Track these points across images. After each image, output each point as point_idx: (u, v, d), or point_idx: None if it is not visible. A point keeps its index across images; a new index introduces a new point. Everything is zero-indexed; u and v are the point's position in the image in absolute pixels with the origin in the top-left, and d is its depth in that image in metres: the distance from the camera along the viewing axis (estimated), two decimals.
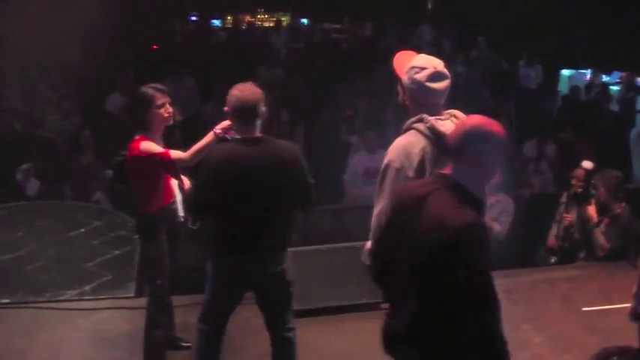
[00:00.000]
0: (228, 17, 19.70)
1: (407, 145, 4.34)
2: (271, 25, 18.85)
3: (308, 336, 6.17)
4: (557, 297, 7.66)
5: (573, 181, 8.59)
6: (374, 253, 4.26)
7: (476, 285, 3.52)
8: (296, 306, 6.91)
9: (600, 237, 8.20)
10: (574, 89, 15.01)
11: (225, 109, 5.20)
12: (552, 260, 8.71)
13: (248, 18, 19.79)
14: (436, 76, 4.39)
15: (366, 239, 4.64)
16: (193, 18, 19.13)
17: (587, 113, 13.54)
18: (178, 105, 5.58)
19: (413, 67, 4.41)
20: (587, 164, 8.49)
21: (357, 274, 7.01)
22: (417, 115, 4.40)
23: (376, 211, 4.41)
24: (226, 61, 14.97)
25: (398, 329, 3.79)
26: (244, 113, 5.10)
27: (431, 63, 4.43)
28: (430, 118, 4.33)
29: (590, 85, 15.27)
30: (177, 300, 6.48)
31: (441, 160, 4.23)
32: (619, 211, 8.26)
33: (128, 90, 12.46)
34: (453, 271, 3.44)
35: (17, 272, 8.01)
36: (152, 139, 5.65)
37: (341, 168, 10.69)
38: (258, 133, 5.10)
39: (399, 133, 4.48)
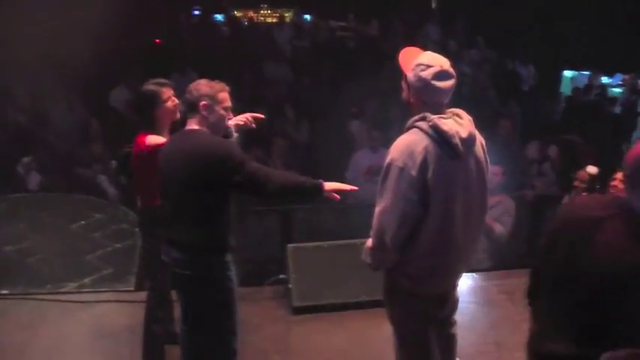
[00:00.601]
0: (233, 12, 19.69)
1: (410, 143, 4.30)
2: (274, 20, 18.84)
3: (309, 332, 6.20)
4: None
5: (576, 183, 8.57)
6: (532, 268, 4.13)
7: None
8: (297, 302, 6.96)
9: None
10: (576, 91, 15.02)
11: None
12: None
13: (251, 13, 19.77)
14: (442, 75, 4.35)
15: (368, 237, 4.62)
16: (197, 12, 19.12)
17: (589, 115, 13.54)
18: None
19: (419, 65, 4.37)
20: (591, 169, 8.47)
21: (358, 272, 7.03)
22: (420, 113, 4.38)
23: (378, 209, 4.37)
24: (231, 57, 14.99)
25: (558, 351, 3.68)
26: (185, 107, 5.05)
27: (437, 61, 4.39)
28: (433, 116, 4.30)
29: (589, 87, 15.25)
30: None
31: (444, 160, 4.26)
32: None
33: (132, 84, 12.50)
34: (619, 307, 3.44)
35: (19, 264, 8.04)
36: (159, 135, 5.64)
37: (344, 166, 10.69)
38: (193, 126, 4.93)
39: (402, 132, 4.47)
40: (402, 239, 4.34)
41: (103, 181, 10.22)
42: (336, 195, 5.02)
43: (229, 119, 5.14)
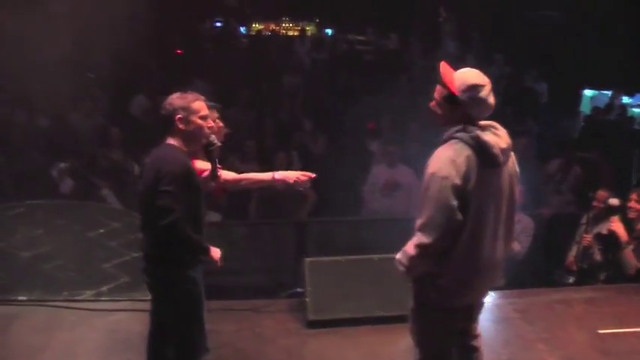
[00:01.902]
0: (254, 24, 19.76)
1: (451, 154, 4.39)
2: (296, 34, 18.89)
3: (323, 346, 6.20)
4: (572, 318, 7.63)
5: (595, 203, 8.57)
6: None
7: None
8: (312, 316, 6.96)
9: (631, 255, 8.14)
10: (596, 110, 14.98)
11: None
12: (570, 280, 8.69)
13: (273, 26, 19.83)
14: (491, 92, 4.52)
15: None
16: (218, 24, 19.20)
17: (608, 134, 13.50)
18: None
19: (475, 86, 4.47)
20: (613, 201, 8.46)
21: (374, 287, 7.06)
22: (455, 125, 4.48)
23: (422, 221, 4.41)
24: (250, 68, 15.04)
25: None
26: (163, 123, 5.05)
27: (484, 79, 4.53)
28: (473, 127, 4.43)
29: (609, 106, 15.22)
30: None
31: (483, 171, 4.37)
32: None
33: (152, 93, 12.59)
34: None
35: (35, 270, 8.06)
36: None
37: (361, 180, 10.70)
38: (169, 140, 4.96)
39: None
40: (442, 249, 4.40)
41: (109, 195, 10.28)
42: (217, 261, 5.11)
43: (209, 127, 5.15)
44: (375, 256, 7.32)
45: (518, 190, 4.76)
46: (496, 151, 4.41)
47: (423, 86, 14.34)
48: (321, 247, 9.21)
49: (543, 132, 13.60)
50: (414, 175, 10.39)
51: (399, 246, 4.59)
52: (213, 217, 9.08)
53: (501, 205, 4.55)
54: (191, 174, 4.89)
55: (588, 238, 8.45)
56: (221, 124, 5.66)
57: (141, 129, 11.70)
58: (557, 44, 16.45)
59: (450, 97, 4.52)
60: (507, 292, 8.24)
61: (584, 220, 8.65)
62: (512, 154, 4.66)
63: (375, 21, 18.73)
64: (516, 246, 8.77)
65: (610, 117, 14.80)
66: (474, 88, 4.47)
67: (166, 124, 4.95)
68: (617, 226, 8.26)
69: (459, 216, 4.33)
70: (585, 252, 8.53)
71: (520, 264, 8.97)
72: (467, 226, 4.39)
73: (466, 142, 4.40)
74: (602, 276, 8.45)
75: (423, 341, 4.81)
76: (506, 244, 4.73)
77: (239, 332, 6.64)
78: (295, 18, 19.91)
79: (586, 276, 8.52)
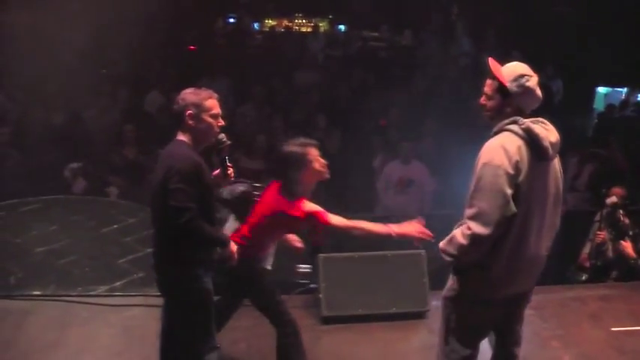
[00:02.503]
0: (267, 20, 19.74)
1: (503, 144, 4.44)
2: (309, 30, 18.86)
3: (337, 343, 6.20)
4: (587, 315, 7.61)
5: (609, 201, 8.53)
6: None
7: None
8: (326, 312, 6.96)
9: None
10: (610, 107, 14.92)
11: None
12: (583, 278, 8.66)
13: (286, 22, 19.81)
14: (538, 84, 4.65)
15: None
16: (231, 20, 19.19)
17: (623, 131, 13.44)
18: None
19: (522, 75, 4.58)
20: (611, 199, 8.44)
21: (388, 283, 7.05)
22: (504, 119, 4.56)
23: (474, 211, 4.41)
24: (264, 64, 15.04)
25: None
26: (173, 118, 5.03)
27: (530, 70, 4.65)
28: (525, 120, 4.50)
29: (624, 103, 15.16)
30: None
31: (534, 162, 4.43)
32: None
33: (166, 89, 12.61)
34: None
35: (50, 265, 8.11)
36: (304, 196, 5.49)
37: (375, 176, 10.71)
38: (179, 136, 4.93)
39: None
40: (494, 240, 4.43)
41: (113, 193, 10.32)
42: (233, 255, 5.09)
43: (219, 125, 5.02)
44: (389, 253, 7.32)
45: (562, 186, 4.80)
46: (546, 143, 4.46)
47: (437, 83, 14.40)
48: (334, 243, 9.19)
49: (558, 129, 13.55)
50: (427, 172, 10.39)
51: (442, 237, 4.61)
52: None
53: (547, 200, 4.59)
54: (201, 171, 4.84)
55: (602, 235, 8.42)
56: (323, 161, 5.53)
57: (155, 125, 11.73)
58: (571, 41, 16.38)
59: (501, 88, 4.59)
60: None
61: (597, 217, 8.62)
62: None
63: (389, 17, 18.70)
64: None
65: (625, 114, 14.74)
66: (522, 77, 4.57)
67: (177, 119, 4.91)
68: (626, 245, 8.23)
69: (513, 206, 4.36)
70: (599, 249, 8.50)
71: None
72: (517, 218, 4.42)
73: (517, 134, 4.46)
74: (614, 273, 8.42)
75: (456, 331, 4.80)
76: (550, 239, 4.77)
77: (253, 328, 6.63)
78: (308, 14, 19.87)
79: (599, 273, 8.50)
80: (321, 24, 19.28)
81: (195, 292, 4.96)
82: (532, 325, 7.32)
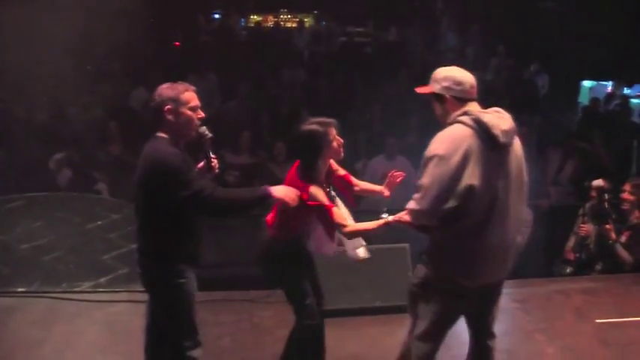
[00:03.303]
0: (252, 16, 19.73)
1: (452, 135, 4.54)
2: (294, 25, 18.85)
3: None
4: (571, 308, 7.64)
5: (592, 193, 8.57)
6: None
7: None
8: None
9: (623, 252, 8.16)
10: (594, 101, 14.96)
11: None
12: (567, 271, 8.70)
13: (271, 18, 19.80)
14: (461, 70, 4.77)
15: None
16: (217, 16, 19.17)
17: (607, 125, 13.49)
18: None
19: (438, 71, 4.78)
20: (597, 182, 8.47)
21: (373, 278, 7.07)
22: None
23: (417, 195, 4.55)
24: (249, 60, 15.03)
25: None
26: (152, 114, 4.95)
27: (447, 67, 4.80)
28: (475, 110, 4.58)
29: (610, 97, 15.21)
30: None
31: (485, 152, 4.48)
32: (636, 221, 8.26)
33: (152, 85, 12.55)
34: None
35: (34, 262, 8.10)
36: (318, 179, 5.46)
37: (360, 172, 10.72)
38: (159, 133, 4.85)
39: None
40: (433, 223, 4.55)
41: (103, 189, 10.31)
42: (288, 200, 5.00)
43: (199, 118, 4.95)
44: (373, 247, 7.31)
45: (526, 174, 4.87)
46: (496, 131, 4.48)
47: (422, 79, 14.41)
48: None
49: (542, 123, 13.60)
50: (413, 168, 10.40)
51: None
52: None
53: (509, 188, 4.64)
54: (187, 164, 4.82)
55: (585, 228, 8.45)
56: (341, 140, 5.50)
57: (140, 122, 11.70)
58: (556, 35, 16.43)
59: (435, 97, 4.75)
60: (505, 282, 8.25)
61: (581, 211, 8.66)
62: (518, 142, 4.76)
63: (375, 13, 18.71)
64: (517, 238, 8.77)
65: (609, 108, 14.78)
66: (436, 73, 4.76)
67: (156, 115, 4.83)
68: (609, 228, 8.28)
69: (450, 197, 4.44)
70: (582, 242, 8.54)
71: (519, 255, 8.97)
72: (476, 208, 4.49)
73: (466, 124, 4.52)
74: (598, 266, 8.46)
75: (424, 318, 4.89)
76: (517, 231, 4.86)
77: (238, 323, 6.66)
78: (294, 10, 19.87)
79: (583, 266, 8.53)
80: (306, 19, 19.28)
81: (177, 287, 4.93)
82: (516, 318, 7.37)
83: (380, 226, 5.10)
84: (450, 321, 4.93)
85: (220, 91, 13.52)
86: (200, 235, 5.03)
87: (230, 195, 4.92)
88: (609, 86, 16.03)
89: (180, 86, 4.89)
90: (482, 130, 4.48)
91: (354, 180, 5.84)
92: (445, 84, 4.68)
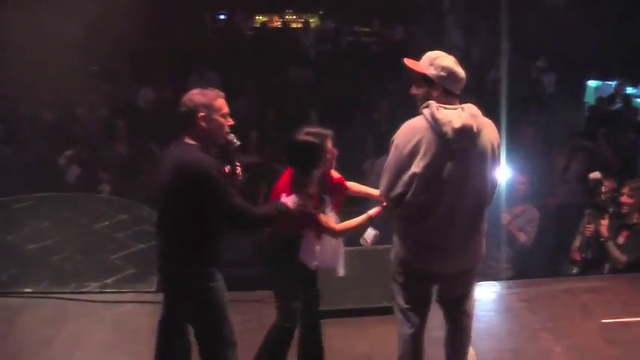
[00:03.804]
0: (257, 17, 19.75)
1: (410, 125, 4.81)
2: (299, 26, 18.86)
3: (330, 337, 6.20)
4: (577, 307, 7.63)
5: (591, 176, 8.57)
6: None
7: None
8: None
9: (615, 251, 8.18)
10: (600, 100, 14.93)
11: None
12: (574, 271, 8.70)
13: (276, 18, 19.82)
14: (456, 63, 4.86)
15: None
16: (222, 16, 19.19)
17: (613, 124, 13.47)
18: None
19: (435, 57, 4.85)
20: (594, 174, 8.48)
21: (380, 277, 7.06)
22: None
23: (381, 181, 4.95)
24: (255, 60, 15.04)
25: None
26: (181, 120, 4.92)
27: (444, 53, 4.90)
28: (434, 105, 4.71)
29: (613, 96, 15.18)
30: None
31: (436, 146, 4.64)
32: (635, 221, 8.26)
33: (158, 85, 12.61)
34: None
35: (42, 262, 8.12)
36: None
37: (367, 171, 10.73)
38: (187, 139, 4.84)
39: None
40: (389, 193, 4.87)
41: (105, 190, 10.34)
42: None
43: (229, 124, 4.99)
44: (380, 247, 7.33)
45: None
46: (446, 128, 4.62)
47: None
48: None
49: (549, 122, 13.58)
50: None
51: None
52: None
53: (466, 184, 4.75)
54: (221, 174, 4.85)
55: (590, 228, 8.45)
56: (335, 152, 5.51)
57: (147, 121, 11.74)
58: (562, 34, 16.41)
59: (424, 77, 4.85)
60: (512, 282, 8.28)
61: (587, 210, 8.66)
62: (488, 138, 4.82)
63: (381, 13, 18.71)
64: (523, 237, 8.79)
65: (614, 107, 14.75)
66: (436, 59, 4.83)
67: (186, 121, 4.80)
68: (603, 223, 8.29)
69: (395, 183, 4.77)
70: (589, 242, 8.53)
71: (526, 255, 8.99)
72: (414, 197, 4.73)
73: (425, 117, 4.72)
74: (606, 267, 8.45)
75: (399, 294, 5.22)
76: (476, 224, 4.93)
77: (245, 323, 6.65)
78: (299, 10, 19.88)
79: (590, 266, 8.53)
80: (311, 20, 19.29)
81: (212, 290, 4.91)
82: (522, 317, 7.37)
83: (365, 220, 5.40)
84: (419, 300, 5.14)
85: (227, 90, 13.51)
86: (225, 236, 5.03)
87: (258, 215, 4.95)
88: (614, 86, 16.00)
89: (211, 93, 4.90)
90: (435, 124, 4.64)
91: (347, 184, 5.89)
92: (443, 73, 4.80)
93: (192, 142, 4.79)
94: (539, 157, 10.96)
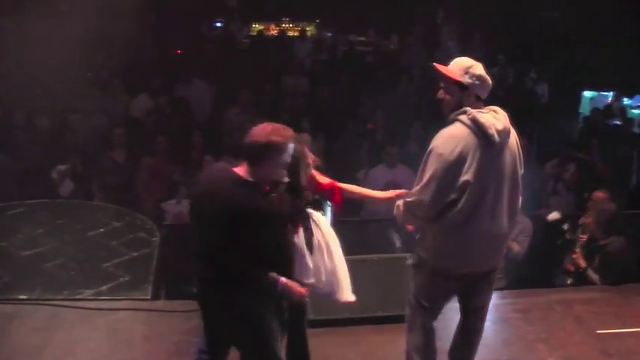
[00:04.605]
0: (254, 25, 19.78)
1: (451, 133, 4.89)
2: (296, 34, 18.88)
3: (323, 346, 6.20)
4: (572, 318, 7.63)
5: (591, 204, 8.61)
6: None
7: None
8: (312, 316, 6.94)
9: (593, 276, 8.37)
10: (595, 111, 14.96)
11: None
12: (568, 282, 8.72)
13: (272, 26, 19.85)
14: (484, 70, 5.05)
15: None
16: (218, 24, 19.20)
17: (607, 136, 13.49)
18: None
19: (470, 66, 5.00)
20: (552, 216, 8.65)
21: (374, 287, 7.06)
22: (458, 109, 4.95)
23: (416, 188, 4.99)
24: (251, 68, 15.04)
25: None
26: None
27: (474, 61, 5.07)
28: (472, 110, 4.85)
29: (609, 107, 15.22)
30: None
31: (481, 149, 4.79)
32: (603, 243, 8.31)
33: (154, 93, 12.62)
34: None
35: (36, 269, 8.07)
36: None
37: (361, 180, 10.72)
38: (240, 171, 4.77)
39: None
40: (431, 215, 4.89)
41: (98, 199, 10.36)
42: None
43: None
44: (375, 256, 7.33)
45: (521, 167, 5.09)
46: (492, 131, 4.79)
47: (423, 87, 14.43)
48: None
49: (543, 133, 13.61)
50: (414, 176, 10.39)
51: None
52: None
53: (503, 184, 4.94)
54: None
55: (585, 238, 8.48)
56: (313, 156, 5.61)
57: (142, 129, 11.73)
58: (557, 45, 16.47)
59: (457, 84, 4.97)
60: (507, 292, 8.27)
61: (581, 221, 8.68)
62: (514, 137, 5.06)
63: (376, 22, 18.77)
64: (516, 247, 8.80)
65: (609, 118, 14.78)
66: (470, 68, 4.99)
67: (254, 156, 4.71)
68: (577, 257, 8.50)
69: (446, 192, 4.80)
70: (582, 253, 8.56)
71: (519, 265, 8.99)
72: (463, 202, 4.80)
73: (465, 124, 4.83)
74: (597, 278, 8.48)
75: (418, 295, 5.27)
76: (509, 223, 5.09)
77: None
78: (296, 18, 19.92)
79: (583, 277, 8.55)
80: (308, 28, 19.32)
81: (265, 315, 4.89)
82: (517, 328, 7.37)
83: (368, 195, 6.03)
84: (439, 301, 5.28)
85: (222, 98, 13.57)
86: None
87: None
88: (610, 97, 16.04)
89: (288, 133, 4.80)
90: (478, 129, 4.78)
91: (343, 186, 5.83)
92: (477, 82, 4.97)
93: (248, 178, 4.74)
94: (532, 168, 10.97)
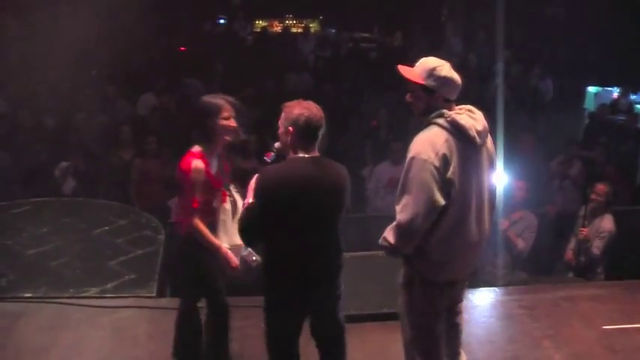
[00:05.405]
0: (257, 22, 19.78)
1: (430, 137, 4.60)
2: (299, 31, 18.88)
3: None
4: (578, 315, 7.62)
5: (593, 196, 8.63)
6: None
7: None
8: None
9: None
10: (601, 107, 14.92)
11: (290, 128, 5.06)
12: (569, 275, 8.72)
13: (276, 23, 19.85)
14: (451, 70, 4.75)
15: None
16: (222, 21, 19.21)
17: (613, 132, 13.47)
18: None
19: (434, 68, 4.70)
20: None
21: (379, 284, 7.05)
22: (432, 112, 4.70)
23: (404, 202, 4.58)
24: (254, 65, 15.04)
25: None
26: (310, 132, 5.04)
27: (440, 60, 4.78)
28: (450, 112, 4.64)
29: (615, 103, 15.18)
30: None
31: (463, 152, 4.59)
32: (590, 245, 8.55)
33: (159, 91, 12.61)
34: None
35: (41, 267, 8.08)
36: (213, 151, 5.62)
37: (365, 177, 10.73)
38: (316, 152, 4.96)
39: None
40: (427, 226, 4.58)
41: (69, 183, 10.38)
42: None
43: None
44: (380, 252, 7.30)
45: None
46: (473, 133, 4.61)
47: None
48: None
49: (548, 129, 13.58)
50: None
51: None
52: None
53: (483, 186, 4.76)
54: None
55: (585, 231, 8.48)
56: (234, 123, 5.66)
57: (148, 127, 11.73)
58: (561, 41, 16.43)
59: (423, 87, 4.72)
60: (512, 288, 8.27)
61: (581, 212, 8.69)
62: (489, 136, 4.86)
63: (380, 19, 18.75)
64: (521, 243, 8.79)
65: (615, 114, 14.74)
66: (434, 70, 4.69)
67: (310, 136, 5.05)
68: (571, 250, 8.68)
69: (440, 198, 4.51)
70: (582, 245, 8.56)
71: (525, 261, 8.99)
72: (451, 207, 4.58)
73: (443, 127, 4.61)
74: (599, 269, 8.47)
75: (416, 314, 4.99)
76: (488, 222, 4.92)
77: (245, 329, 6.63)
78: (299, 15, 19.92)
79: (584, 270, 8.54)
80: (311, 25, 19.31)
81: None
82: (523, 324, 7.35)
83: (215, 247, 5.64)
84: (437, 314, 5.01)
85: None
86: None
87: None
88: (615, 92, 15.99)
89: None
90: (458, 131, 4.59)
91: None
92: (442, 84, 4.70)
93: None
94: (538, 164, 10.96)
